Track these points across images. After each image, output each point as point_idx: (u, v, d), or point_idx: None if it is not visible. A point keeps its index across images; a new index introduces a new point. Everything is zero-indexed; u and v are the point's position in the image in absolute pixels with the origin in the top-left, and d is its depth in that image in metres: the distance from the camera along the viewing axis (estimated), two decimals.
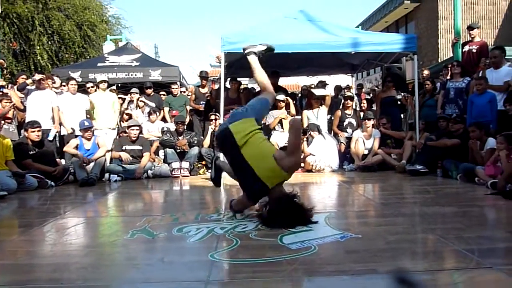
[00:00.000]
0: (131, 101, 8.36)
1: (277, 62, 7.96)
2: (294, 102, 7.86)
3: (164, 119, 8.02)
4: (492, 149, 4.75)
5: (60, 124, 6.79)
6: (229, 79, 7.81)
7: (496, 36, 14.97)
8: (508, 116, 5.15)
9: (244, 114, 3.17)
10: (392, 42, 6.79)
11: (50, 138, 6.52)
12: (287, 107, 7.27)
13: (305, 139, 6.59)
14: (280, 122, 7.09)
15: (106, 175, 6.00)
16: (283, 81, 9.72)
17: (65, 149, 6.11)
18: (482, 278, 1.83)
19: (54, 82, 7.42)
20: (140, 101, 8.21)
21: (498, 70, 5.78)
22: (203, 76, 7.94)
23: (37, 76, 6.76)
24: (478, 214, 3.29)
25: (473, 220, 2.97)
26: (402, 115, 8.04)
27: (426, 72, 8.02)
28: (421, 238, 2.60)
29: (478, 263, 1.99)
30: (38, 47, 14.48)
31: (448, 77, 6.75)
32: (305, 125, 7.11)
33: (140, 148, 6.25)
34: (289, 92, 8.45)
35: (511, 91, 5.49)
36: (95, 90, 7.40)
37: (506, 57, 6.14)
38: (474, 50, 6.64)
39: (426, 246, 2.48)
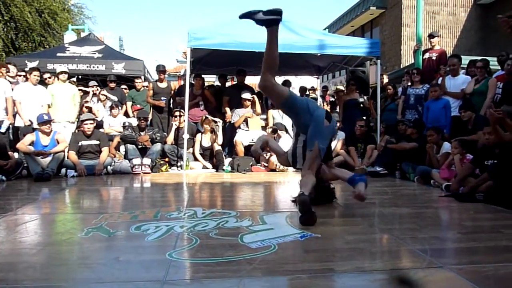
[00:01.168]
0: (94, 95, 8.08)
1: (244, 60, 7.95)
2: (260, 101, 7.87)
3: (126, 114, 7.80)
4: (447, 153, 4.96)
5: (15, 115, 6.46)
6: (193, 75, 7.72)
7: (455, 45, 15.68)
8: (462, 122, 5.39)
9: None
10: (357, 46, 6.95)
11: (3, 130, 6.19)
12: (253, 105, 7.28)
13: (273, 138, 6.60)
14: (246, 120, 7.08)
15: (63, 170, 5.76)
16: (250, 80, 9.71)
17: (18, 145, 5.79)
18: (433, 277, 1.90)
19: (8, 71, 7.04)
20: (102, 94, 7.95)
21: (456, 78, 6.05)
22: (161, 70, 7.76)
23: None
24: (432, 215, 3.41)
25: (428, 221, 3.08)
26: (364, 118, 8.22)
27: (385, 78, 8.26)
28: (378, 238, 2.67)
29: (430, 262, 2.05)
30: None
31: (409, 84, 6.99)
32: (270, 123, 7.14)
33: (97, 142, 6.03)
34: (256, 91, 8.45)
35: (466, 99, 5.76)
36: (53, 82, 7.09)
37: (464, 66, 6.45)
38: (434, 58, 6.91)
39: (382, 246, 2.55)
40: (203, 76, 7.92)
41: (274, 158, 6.42)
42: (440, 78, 6.26)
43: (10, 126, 6.45)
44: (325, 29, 17.65)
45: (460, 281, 1.83)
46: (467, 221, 3.15)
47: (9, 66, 7.23)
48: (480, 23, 15.81)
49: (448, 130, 5.69)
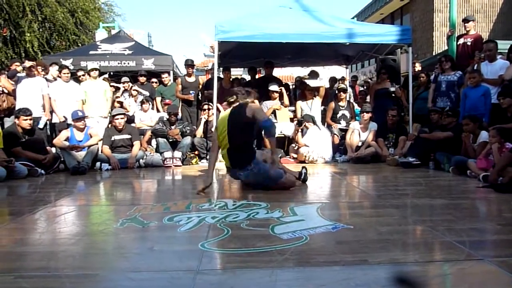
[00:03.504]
0: (125, 90, 8.28)
1: (271, 52, 7.93)
2: (288, 93, 7.82)
3: (156, 109, 7.94)
4: (485, 142, 4.76)
5: (51, 112, 6.71)
6: (221, 68, 7.73)
7: (490, 30, 15.00)
8: (501, 110, 5.16)
9: None
10: (387, 34, 6.76)
11: (41, 126, 6.44)
12: (281, 97, 7.24)
13: (299, 130, 6.56)
14: (274, 112, 7.06)
15: (98, 163, 5.93)
16: (277, 72, 9.67)
17: (54, 141, 6.04)
18: (472, 270, 1.83)
19: (44, 69, 7.31)
20: (134, 90, 8.13)
21: (493, 64, 5.78)
22: (189, 64, 7.84)
23: (28, 63, 6.64)
24: (470, 207, 3.30)
25: (464, 212, 2.98)
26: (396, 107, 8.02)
27: (418, 66, 8.00)
28: (412, 230, 2.60)
29: (469, 255, 1.99)
30: (29, 34, 14.22)
31: (440, 71, 6.75)
32: (298, 115, 7.09)
33: (129, 136, 6.18)
34: (283, 83, 8.40)
35: (505, 85, 5.50)
36: (87, 78, 7.31)
37: (502, 51, 6.14)
38: (468, 43, 6.63)
39: (417, 237, 2.48)
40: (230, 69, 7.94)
41: (303, 150, 6.39)
42: (476, 65, 6.01)
43: (47, 122, 6.70)
44: (353, 18, 17.31)
45: (502, 274, 1.76)
46: (507, 213, 3.01)
47: (52, 66, 7.50)
48: None
49: (487, 118, 5.46)
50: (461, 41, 6.80)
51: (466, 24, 6.76)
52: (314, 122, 6.67)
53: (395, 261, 1.94)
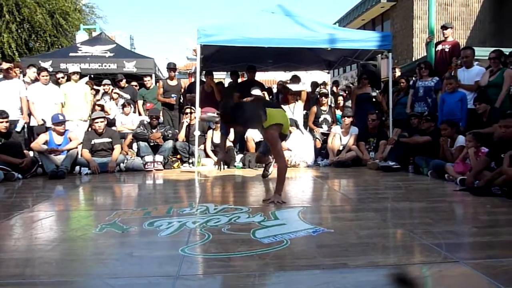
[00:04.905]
0: (105, 93, 8.16)
1: (254, 57, 7.94)
2: (270, 97, 7.85)
3: (138, 112, 7.85)
4: (462, 147, 4.88)
5: (29, 115, 6.56)
6: (204, 72, 7.71)
7: (468, 37, 15.39)
8: (477, 115, 5.29)
9: None
10: (368, 40, 6.86)
11: (18, 129, 6.27)
12: None
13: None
14: None
15: (77, 168, 5.83)
16: (260, 76, 9.70)
17: (32, 145, 5.90)
18: (449, 272, 1.87)
19: (22, 71, 7.15)
20: (115, 93, 8.02)
21: (469, 70, 5.93)
22: (171, 67, 7.81)
23: (5, 65, 6.48)
24: (447, 210, 3.37)
25: (442, 215, 3.04)
26: (376, 111, 8.14)
27: (398, 72, 8.15)
28: (392, 233, 2.64)
29: (445, 257, 2.03)
30: (6, 35, 13.88)
31: (419, 77, 6.89)
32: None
33: (109, 140, 6.09)
34: (266, 87, 8.43)
35: (481, 91, 5.65)
36: (66, 81, 7.18)
37: (478, 58, 6.30)
38: (446, 50, 6.79)
39: (396, 240, 2.52)
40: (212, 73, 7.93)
41: (285, 154, 6.40)
42: (453, 71, 6.15)
43: (25, 125, 6.55)
44: (335, 24, 17.49)
45: (476, 276, 1.81)
46: (483, 215, 3.10)
47: (29, 69, 7.33)
48: (494, 14, 15.48)
49: (464, 123, 5.60)
50: (439, 47, 6.96)
51: (444, 31, 6.93)
52: (297, 126, 6.71)
53: (374, 264, 1.96)
